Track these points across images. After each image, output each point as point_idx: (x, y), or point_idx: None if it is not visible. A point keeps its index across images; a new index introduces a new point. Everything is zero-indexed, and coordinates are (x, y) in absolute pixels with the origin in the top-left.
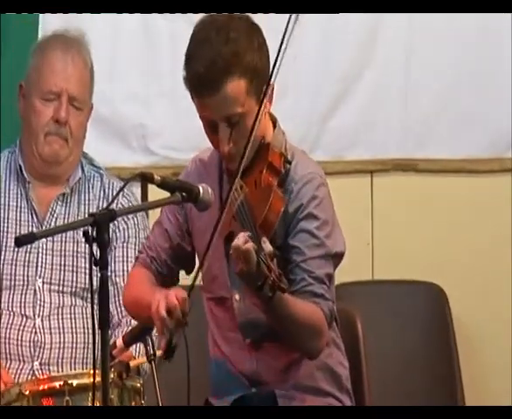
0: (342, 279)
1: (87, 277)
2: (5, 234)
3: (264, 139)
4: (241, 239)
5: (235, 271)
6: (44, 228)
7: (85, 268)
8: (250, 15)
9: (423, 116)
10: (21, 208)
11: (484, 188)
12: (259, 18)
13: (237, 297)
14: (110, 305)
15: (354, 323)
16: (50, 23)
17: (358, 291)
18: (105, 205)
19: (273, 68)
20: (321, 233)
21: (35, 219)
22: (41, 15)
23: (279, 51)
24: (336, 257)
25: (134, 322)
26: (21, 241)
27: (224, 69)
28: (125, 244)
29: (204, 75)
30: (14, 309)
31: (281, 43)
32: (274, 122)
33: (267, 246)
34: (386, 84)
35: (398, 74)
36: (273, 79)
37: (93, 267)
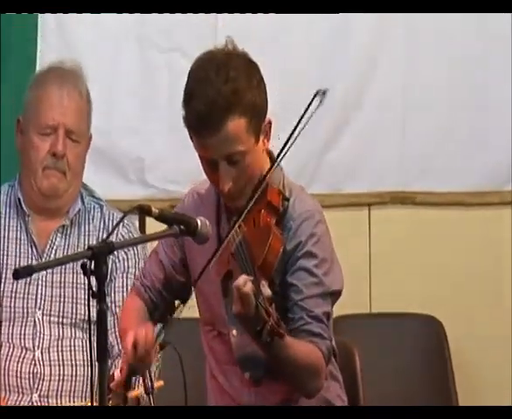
0: (341, 312)
1: (86, 308)
2: (5, 266)
3: (263, 176)
4: (241, 281)
5: (234, 312)
6: (43, 260)
7: (84, 299)
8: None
9: (421, 149)
10: (20, 240)
11: (483, 220)
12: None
13: (234, 332)
14: (110, 336)
15: (352, 356)
16: (48, 56)
17: (356, 324)
18: (105, 236)
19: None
20: (320, 271)
21: (34, 251)
22: (39, 48)
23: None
24: (334, 295)
25: None
26: (19, 274)
27: (225, 108)
28: (125, 275)
29: (204, 114)
30: (14, 341)
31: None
32: (272, 158)
33: (266, 290)
34: (384, 116)
35: (396, 107)
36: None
37: (91, 299)
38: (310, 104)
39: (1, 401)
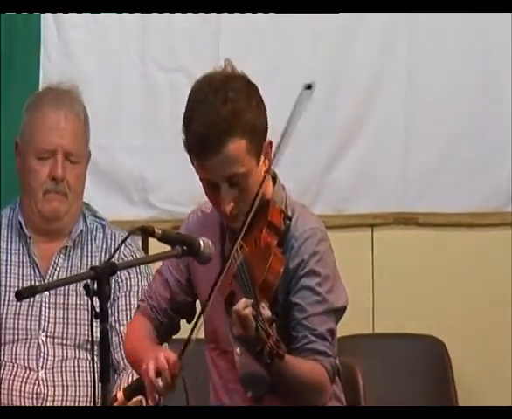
0: (343, 333)
1: (90, 328)
2: (8, 288)
3: (264, 196)
4: (241, 305)
5: (234, 334)
6: (46, 281)
7: (88, 320)
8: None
9: (423, 169)
10: (23, 263)
11: (485, 241)
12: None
13: (238, 351)
14: (116, 354)
15: (355, 376)
16: (50, 75)
17: (359, 345)
18: (107, 256)
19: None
20: (323, 289)
21: (37, 273)
22: (41, 70)
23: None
24: (338, 312)
25: None
26: (22, 294)
27: (225, 129)
28: (128, 293)
29: (204, 136)
30: (17, 361)
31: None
32: (274, 178)
33: (266, 312)
34: (386, 137)
35: (399, 127)
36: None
37: (94, 320)
38: (298, 99)
39: None
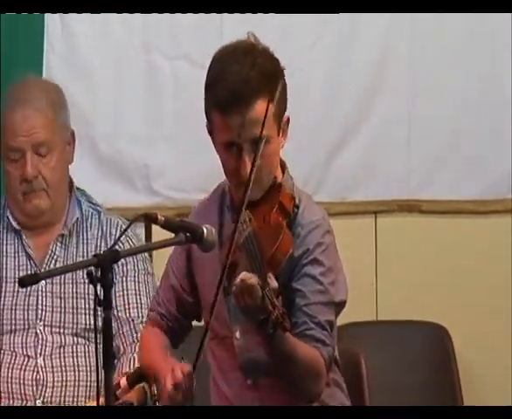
0: (347, 320)
1: (87, 317)
2: (3, 279)
3: (276, 178)
4: (247, 274)
5: (239, 305)
6: (43, 270)
7: (85, 309)
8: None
9: (427, 157)
10: (18, 253)
11: (488, 228)
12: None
13: (237, 335)
14: (115, 340)
15: (358, 363)
16: (55, 70)
17: (362, 332)
18: (103, 243)
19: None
20: (326, 280)
21: (32, 263)
22: (45, 59)
23: None
24: (339, 306)
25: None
26: (25, 282)
27: (256, 88)
28: (124, 279)
29: (238, 92)
30: (16, 350)
31: None
32: (283, 167)
33: (273, 282)
34: (390, 125)
35: (402, 116)
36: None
37: (97, 307)
38: None
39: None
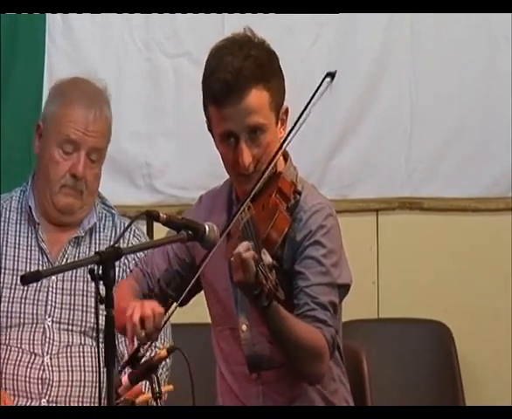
0: (348, 317)
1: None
2: (15, 272)
3: (276, 168)
4: (242, 247)
5: (235, 280)
6: None
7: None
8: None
9: (428, 155)
10: (31, 246)
11: (490, 226)
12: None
13: (244, 327)
14: (120, 345)
15: (359, 361)
16: (56, 66)
17: (364, 330)
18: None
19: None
20: (327, 261)
21: (45, 258)
22: (46, 51)
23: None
24: (342, 289)
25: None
26: (27, 279)
27: (250, 78)
28: (125, 275)
29: (230, 82)
30: (23, 346)
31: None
32: (286, 157)
33: (267, 258)
34: (391, 122)
35: (403, 113)
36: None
37: (99, 305)
38: (319, 86)
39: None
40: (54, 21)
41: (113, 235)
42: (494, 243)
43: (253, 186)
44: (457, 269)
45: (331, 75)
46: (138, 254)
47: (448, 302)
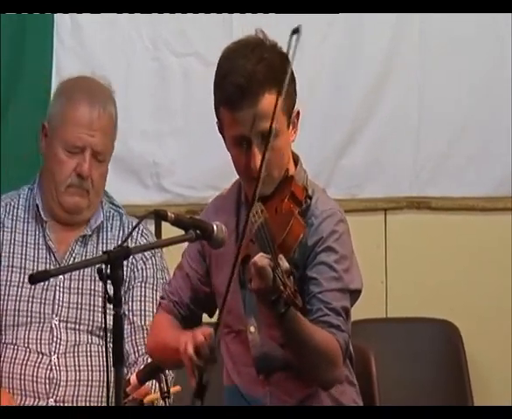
0: (357, 317)
1: (103, 315)
2: (23, 270)
3: (288, 172)
4: (259, 256)
5: (252, 288)
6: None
7: (101, 307)
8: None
9: (436, 154)
10: (38, 245)
11: (498, 225)
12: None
13: (252, 329)
14: (126, 344)
15: (368, 360)
16: (65, 65)
17: (372, 329)
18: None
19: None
20: (340, 267)
21: (52, 257)
22: (55, 48)
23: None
24: (353, 294)
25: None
26: (35, 278)
27: (263, 82)
28: (143, 284)
29: (244, 86)
30: (30, 346)
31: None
32: (296, 161)
33: (284, 263)
34: (399, 122)
35: (411, 113)
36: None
37: (108, 304)
38: (289, 47)
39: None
40: (62, 20)
41: (120, 234)
42: (502, 242)
43: (260, 189)
44: (465, 268)
45: (296, 31)
46: (160, 285)
47: (456, 301)
